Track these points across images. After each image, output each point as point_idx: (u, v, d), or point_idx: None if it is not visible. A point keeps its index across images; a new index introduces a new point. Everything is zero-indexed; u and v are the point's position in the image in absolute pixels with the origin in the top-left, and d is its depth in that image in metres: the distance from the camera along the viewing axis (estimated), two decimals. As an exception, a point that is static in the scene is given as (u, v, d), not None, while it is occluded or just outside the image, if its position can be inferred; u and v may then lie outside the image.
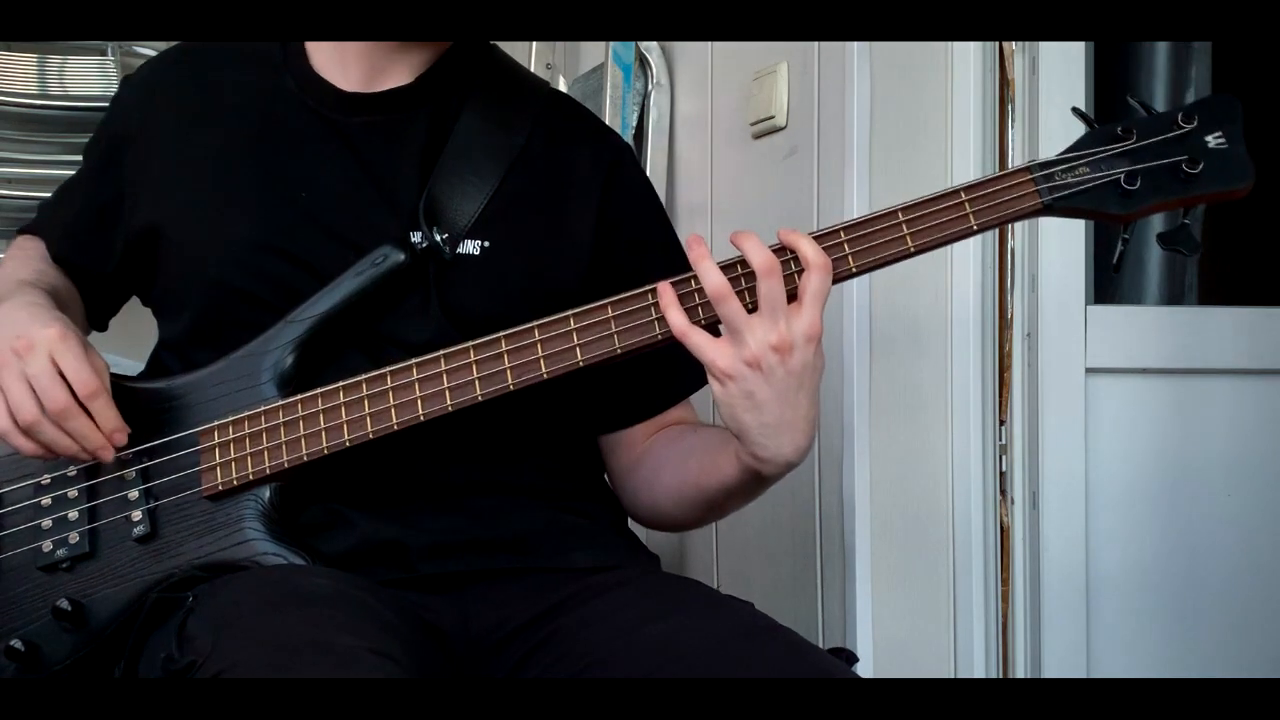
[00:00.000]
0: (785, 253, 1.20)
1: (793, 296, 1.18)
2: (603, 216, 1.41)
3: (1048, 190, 1.20)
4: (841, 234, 1.21)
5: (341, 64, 1.39)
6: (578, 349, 1.23)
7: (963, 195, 1.21)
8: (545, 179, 1.40)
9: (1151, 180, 1.19)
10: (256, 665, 1.06)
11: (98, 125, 1.49)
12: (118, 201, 1.41)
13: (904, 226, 1.20)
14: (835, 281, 1.20)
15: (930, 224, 1.20)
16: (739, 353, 1.17)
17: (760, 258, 1.18)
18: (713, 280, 1.19)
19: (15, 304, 1.30)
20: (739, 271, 1.20)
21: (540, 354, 1.24)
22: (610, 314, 1.23)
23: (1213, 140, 1.19)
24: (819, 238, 1.21)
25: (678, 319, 1.20)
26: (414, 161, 1.36)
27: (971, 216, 1.20)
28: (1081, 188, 1.20)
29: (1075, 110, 1.25)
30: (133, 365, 1.44)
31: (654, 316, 1.23)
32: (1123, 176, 1.19)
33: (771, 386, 1.18)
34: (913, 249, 1.21)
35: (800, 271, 1.19)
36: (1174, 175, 1.19)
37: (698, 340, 1.20)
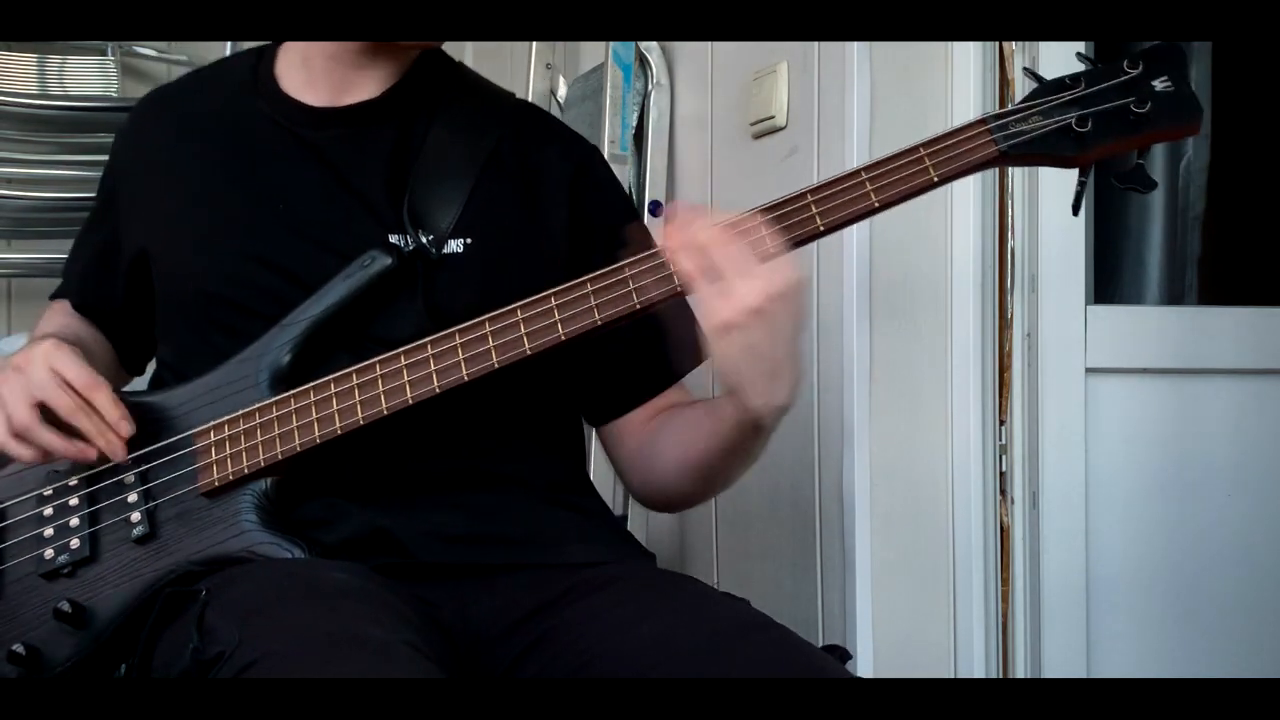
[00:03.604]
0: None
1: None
2: (575, 211, 1.43)
3: (1003, 138, 1.24)
4: (808, 195, 1.24)
5: (309, 83, 1.43)
6: (559, 324, 1.25)
7: (922, 150, 1.24)
8: (518, 179, 1.43)
9: (1102, 122, 1.23)
10: (290, 656, 1.06)
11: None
12: (116, 240, 1.48)
13: (867, 184, 1.24)
14: (806, 241, 1.24)
15: (892, 179, 1.24)
16: (743, 301, 1.17)
17: (741, 217, 1.21)
18: (712, 230, 1.20)
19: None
20: None
21: (523, 331, 1.26)
22: (589, 288, 1.25)
23: (1159, 84, 1.24)
24: (788, 200, 1.24)
25: (687, 264, 1.20)
26: (383, 169, 1.40)
27: (932, 169, 1.24)
28: (1035, 134, 1.24)
29: (1026, 70, 1.31)
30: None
31: (631, 287, 1.24)
32: (1074, 120, 1.23)
33: (770, 333, 1.18)
34: (876, 204, 1.24)
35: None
36: (1124, 117, 1.24)
37: (706, 291, 1.20)
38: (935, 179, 1.24)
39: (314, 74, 1.43)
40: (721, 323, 1.19)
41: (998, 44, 1.70)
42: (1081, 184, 1.27)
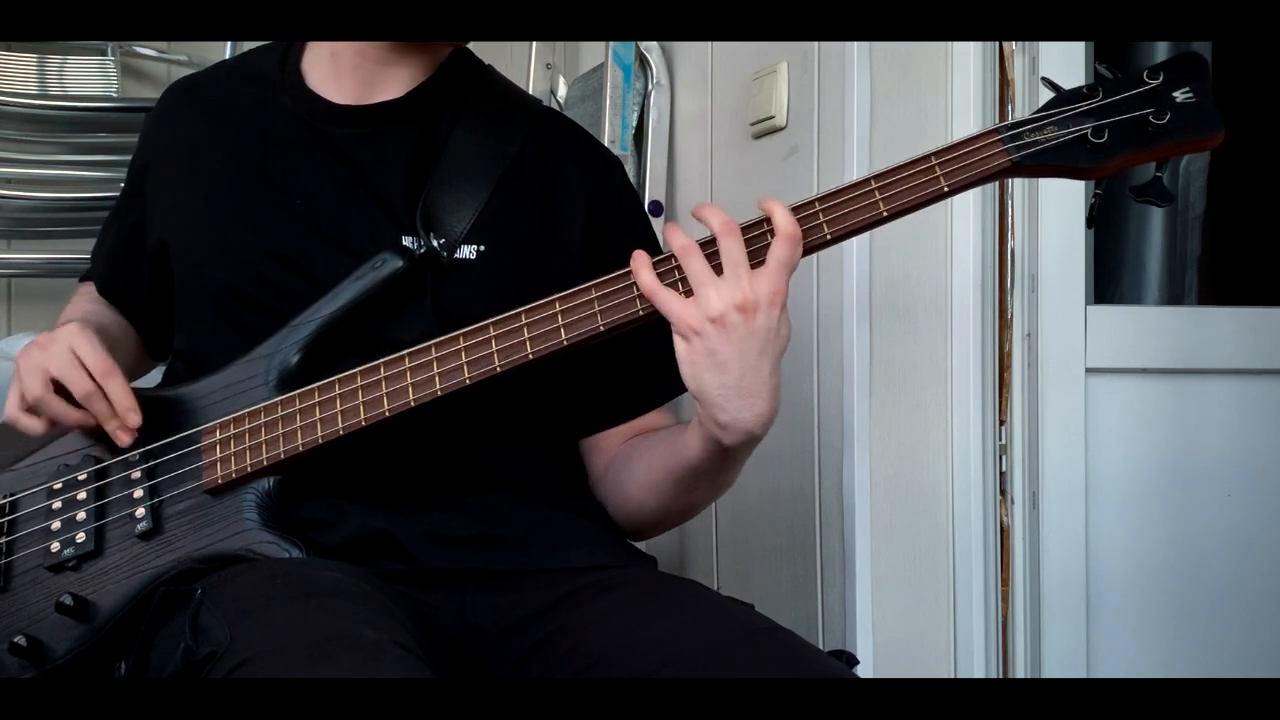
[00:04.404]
0: (765, 223, 1.23)
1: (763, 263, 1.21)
2: (592, 222, 1.44)
3: (1016, 149, 1.22)
4: (816, 204, 1.24)
5: (335, 79, 1.43)
6: (562, 329, 1.26)
7: (933, 159, 1.23)
8: (537, 187, 1.43)
9: (1119, 133, 1.21)
10: (279, 656, 1.06)
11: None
12: (140, 228, 1.48)
13: (876, 193, 1.23)
14: (812, 250, 1.24)
15: (902, 188, 1.23)
16: (703, 309, 1.20)
17: (719, 220, 1.22)
18: (679, 240, 1.23)
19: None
20: (711, 249, 1.23)
21: (526, 336, 1.26)
22: (594, 294, 1.26)
23: (1180, 95, 1.21)
24: (795, 209, 1.23)
25: (647, 278, 1.23)
26: (404, 170, 1.39)
27: (942, 179, 1.23)
28: (1049, 145, 1.22)
29: (1044, 79, 1.27)
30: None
31: (635, 294, 1.25)
32: (1089, 131, 1.21)
33: (734, 345, 1.20)
34: (885, 213, 1.23)
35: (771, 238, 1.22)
36: (1141, 128, 1.21)
37: (664, 297, 1.22)
38: (946, 189, 1.23)
39: (341, 70, 1.42)
40: (685, 327, 1.21)
41: (998, 44, 1.70)
42: (1098, 196, 1.25)
